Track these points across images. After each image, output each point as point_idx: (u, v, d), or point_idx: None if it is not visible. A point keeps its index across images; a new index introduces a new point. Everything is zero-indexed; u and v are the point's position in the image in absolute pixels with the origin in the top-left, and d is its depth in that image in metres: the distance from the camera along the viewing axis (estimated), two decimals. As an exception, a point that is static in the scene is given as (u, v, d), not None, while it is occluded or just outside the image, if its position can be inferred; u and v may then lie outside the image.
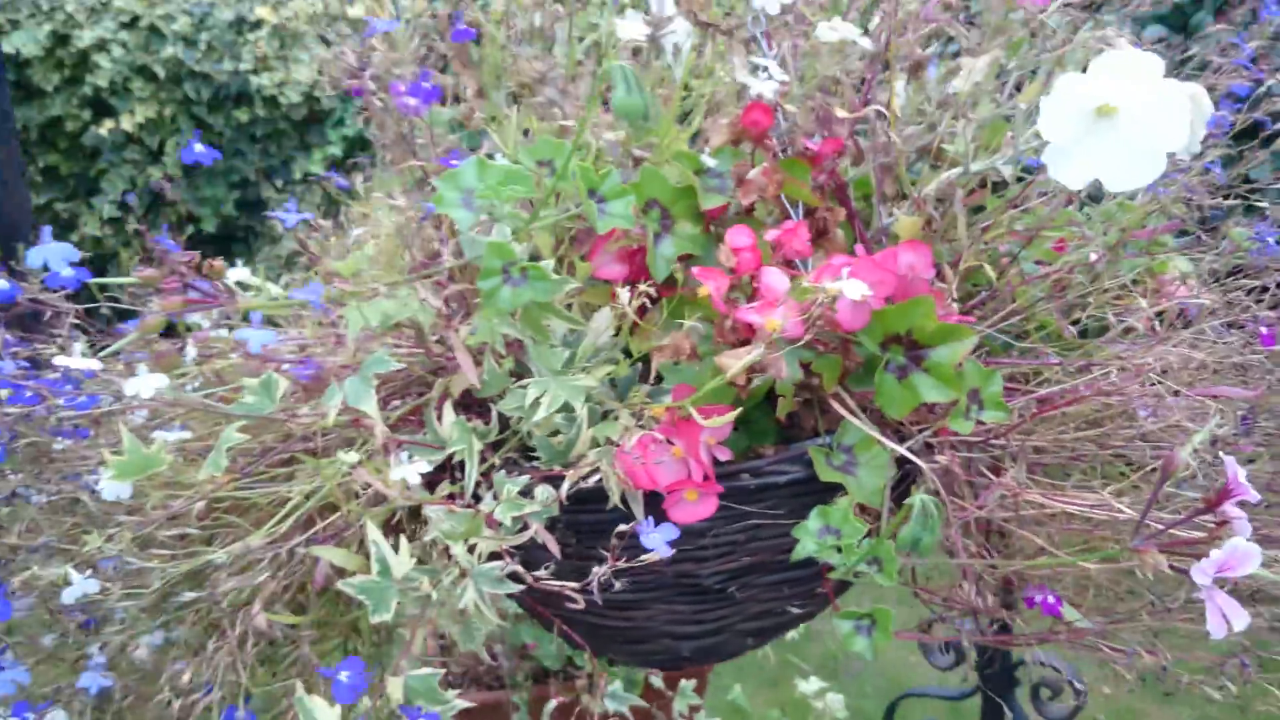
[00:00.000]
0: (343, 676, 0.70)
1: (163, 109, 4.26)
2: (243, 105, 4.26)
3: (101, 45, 3.92)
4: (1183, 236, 1.02)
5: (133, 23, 4.22)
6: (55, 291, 0.83)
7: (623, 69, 0.71)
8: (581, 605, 0.77)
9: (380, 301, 0.80)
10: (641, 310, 0.86)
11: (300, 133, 4.16)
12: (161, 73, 4.23)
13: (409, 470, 0.75)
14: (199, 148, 0.90)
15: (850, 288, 0.73)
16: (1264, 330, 0.84)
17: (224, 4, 4.26)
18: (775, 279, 0.78)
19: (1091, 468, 0.91)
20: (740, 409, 0.87)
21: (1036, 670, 1.27)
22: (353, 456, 0.74)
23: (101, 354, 0.81)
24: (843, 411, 0.88)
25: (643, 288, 0.77)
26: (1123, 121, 0.72)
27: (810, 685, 2.38)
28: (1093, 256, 0.98)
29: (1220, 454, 0.75)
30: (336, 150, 4.29)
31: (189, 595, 0.83)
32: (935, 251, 0.97)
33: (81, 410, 0.84)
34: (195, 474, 0.85)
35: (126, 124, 4.12)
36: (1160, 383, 0.88)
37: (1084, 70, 0.70)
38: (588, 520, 0.90)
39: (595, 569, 0.84)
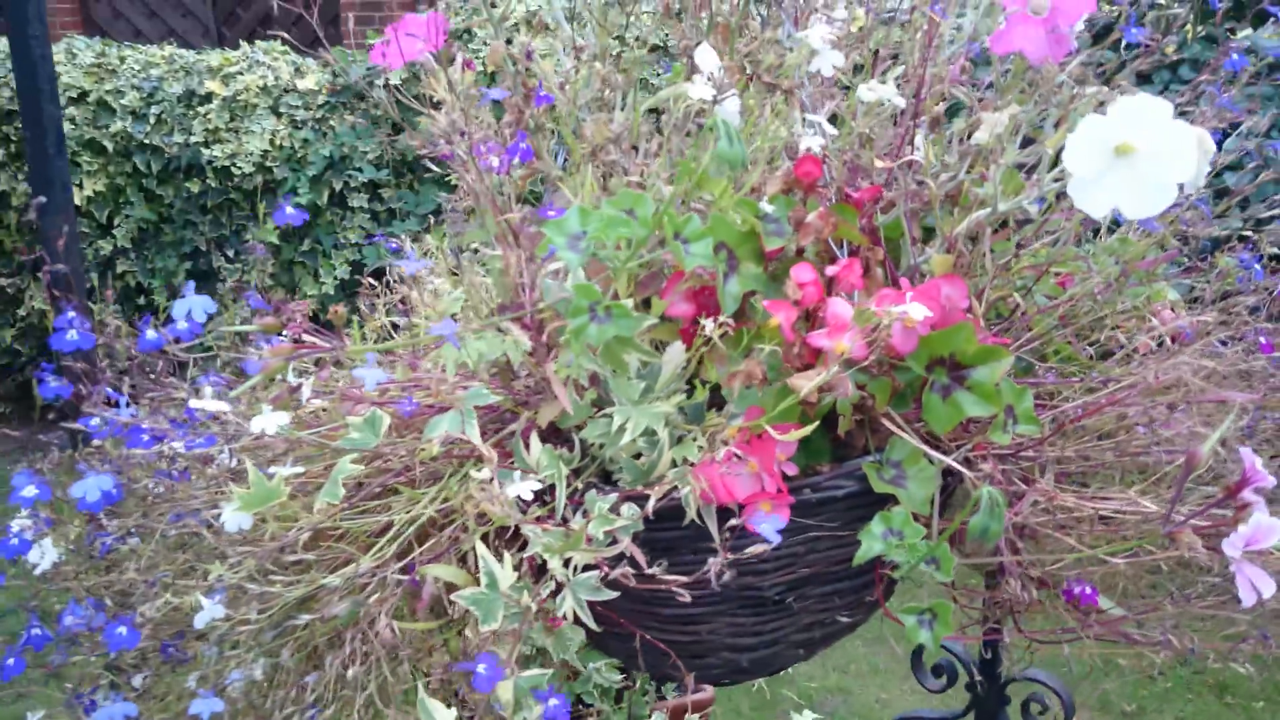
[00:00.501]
0: (481, 669, 0.78)
1: (112, 181, 4.33)
2: (193, 177, 4.32)
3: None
4: (1175, 266, 1.14)
5: (81, 98, 4.30)
6: (176, 342, 0.91)
7: (724, 123, 0.81)
8: (687, 601, 0.85)
9: (472, 341, 0.88)
10: (708, 342, 0.96)
11: (252, 202, 4.23)
12: (110, 146, 4.30)
13: (521, 488, 0.83)
14: (290, 209, 0.98)
15: (915, 310, 0.83)
16: (1263, 340, 0.95)
17: (173, 78, 4.34)
18: (841, 308, 0.88)
19: (1109, 475, 1.01)
20: (812, 426, 0.96)
21: (1026, 687, 1.35)
22: (485, 472, 0.82)
23: (231, 394, 0.89)
24: (893, 428, 0.97)
25: (721, 320, 0.86)
26: (1140, 159, 0.83)
27: (805, 717, 2.44)
28: (1097, 288, 1.10)
29: (1238, 448, 0.85)
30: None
31: (304, 617, 0.90)
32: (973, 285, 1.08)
33: (201, 448, 0.91)
34: (297, 506, 0.92)
35: (76, 198, 4.16)
36: (1171, 393, 0.99)
37: (1103, 113, 0.82)
38: (664, 537, 0.98)
39: (711, 561, 0.92)
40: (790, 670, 1.22)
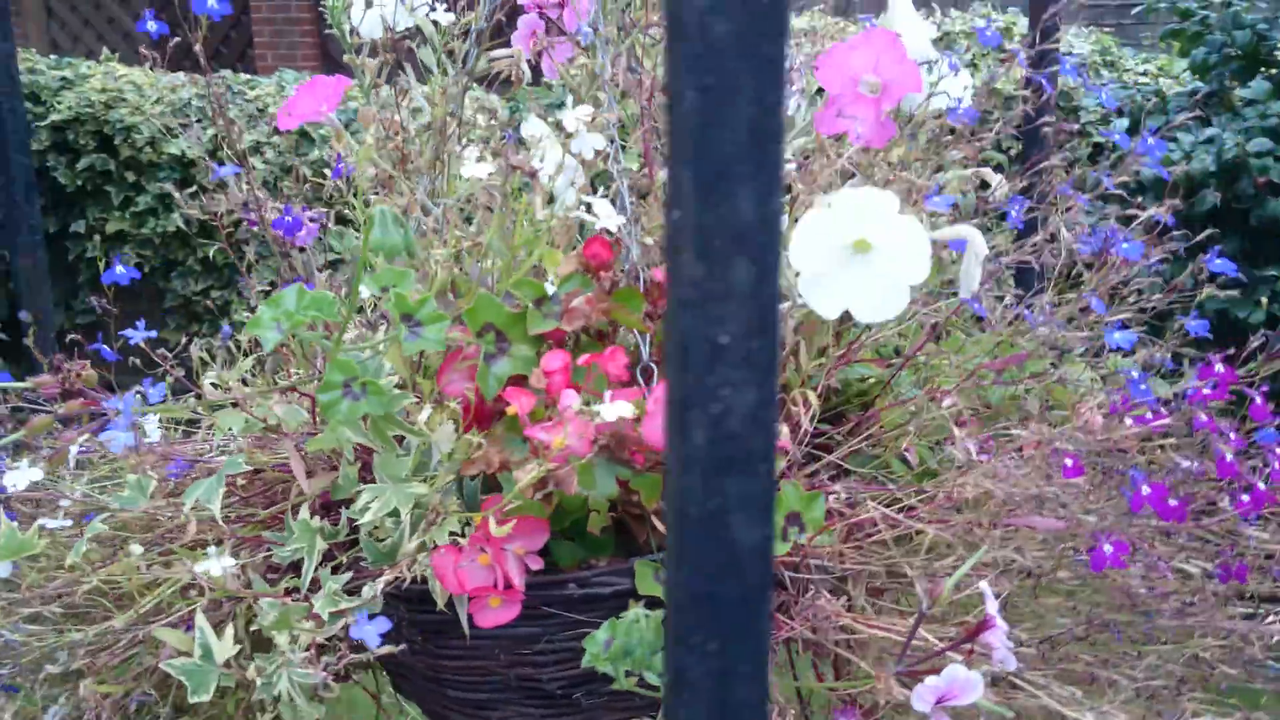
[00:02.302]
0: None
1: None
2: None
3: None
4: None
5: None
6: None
7: (383, 211, 0.79)
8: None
9: (227, 414, 0.89)
10: (489, 422, 0.93)
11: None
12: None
13: (214, 564, 0.83)
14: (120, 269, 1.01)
15: (608, 410, 0.79)
16: (1068, 463, 0.86)
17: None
18: (569, 399, 0.84)
19: (911, 594, 0.93)
20: (568, 523, 0.92)
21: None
22: (137, 549, 0.82)
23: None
24: (662, 528, 0.92)
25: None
26: (876, 257, 0.77)
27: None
28: (948, 399, 1.02)
29: (981, 587, 0.77)
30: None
31: (53, 669, 0.92)
32: (789, 379, 1.02)
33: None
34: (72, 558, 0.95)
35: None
36: (980, 510, 0.90)
37: (829, 205, 0.76)
38: (426, 619, 0.96)
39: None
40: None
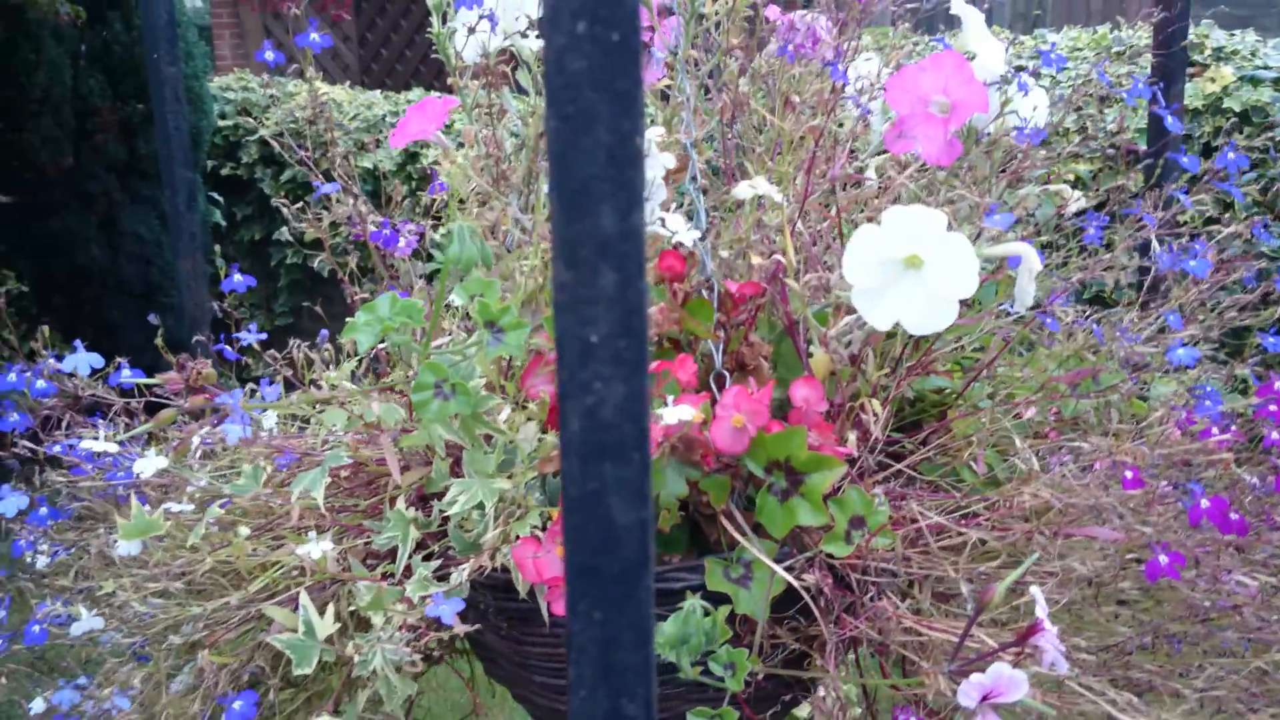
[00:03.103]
0: (236, 705, 0.86)
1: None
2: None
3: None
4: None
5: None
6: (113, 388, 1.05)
7: (461, 226, 0.85)
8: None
9: (332, 410, 0.97)
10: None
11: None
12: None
13: (315, 547, 0.90)
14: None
15: (669, 413, 0.84)
16: (1128, 475, 0.87)
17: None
18: (639, 404, 0.89)
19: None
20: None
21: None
22: (244, 531, 0.90)
23: (118, 439, 1.02)
24: (730, 529, 0.97)
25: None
26: (927, 272, 0.80)
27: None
28: (1030, 411, 1.04)
29: (1032, 591, 0.80)
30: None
31: (176, 640, 1.01)
32: (859, 388, 1.05)
33: (123, 482, 1.05)
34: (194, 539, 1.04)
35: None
36: (1042, 520, 0.92)
37: (880, 223, 0.79)
38: (510, 607, 1.02)
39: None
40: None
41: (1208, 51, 2.70)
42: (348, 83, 4.45)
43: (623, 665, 0.48)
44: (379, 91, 4.13)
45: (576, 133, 0.44)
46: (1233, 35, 2.78)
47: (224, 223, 3.88)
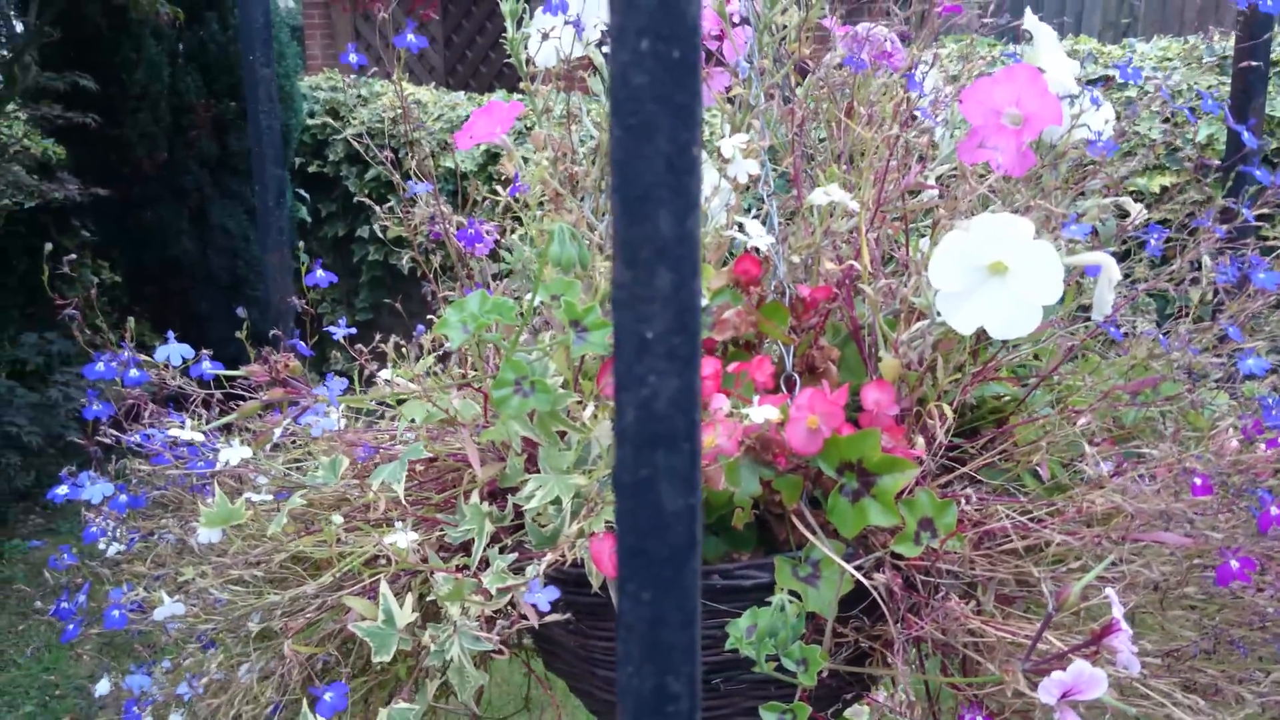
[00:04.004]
0: (327, 697, 0.88)
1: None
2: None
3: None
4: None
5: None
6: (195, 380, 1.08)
7: (561, 228, 0.88)
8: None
9: (413, 404, 0.99)
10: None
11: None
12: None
13: (401, 537, 0.93)
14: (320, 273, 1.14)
15: (756, 413, 0.86)
16: (1197, 481, 0.89)
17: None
18: (719, 403, 0.91)
19: (1039, 603, 0.97)
20: (714, 519, 1.00)
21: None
22: (337, 519, 0.92)
23: (203, 428, 1.05)
24: (801, 527, 0.99)
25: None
26: (1011, 278, 0.82)
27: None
28: (1083, 418, 1.06)
29: (1107, 591, 0.81)
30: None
31: (252, 626, 1.04)
32: (925, 393, 1.08)
33: (200, 471, 1.08)
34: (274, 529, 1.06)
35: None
36: (1108, 524, 0.94)
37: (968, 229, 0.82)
38: (582, 601, 1.05)
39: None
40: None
41: None
42: (433, 84, 4.50)
43: (668, 644, 0.51)
44: (463, 93, 4.18)
45: (638, 142, 0.46)
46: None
47: (309, 219, 3.93)
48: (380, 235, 1.04)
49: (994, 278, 0.82)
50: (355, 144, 1.19)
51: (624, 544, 0.50)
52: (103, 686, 1.24)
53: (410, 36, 1.09)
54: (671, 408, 0.48)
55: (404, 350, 1.06)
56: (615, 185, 0.47)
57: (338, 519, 0.96)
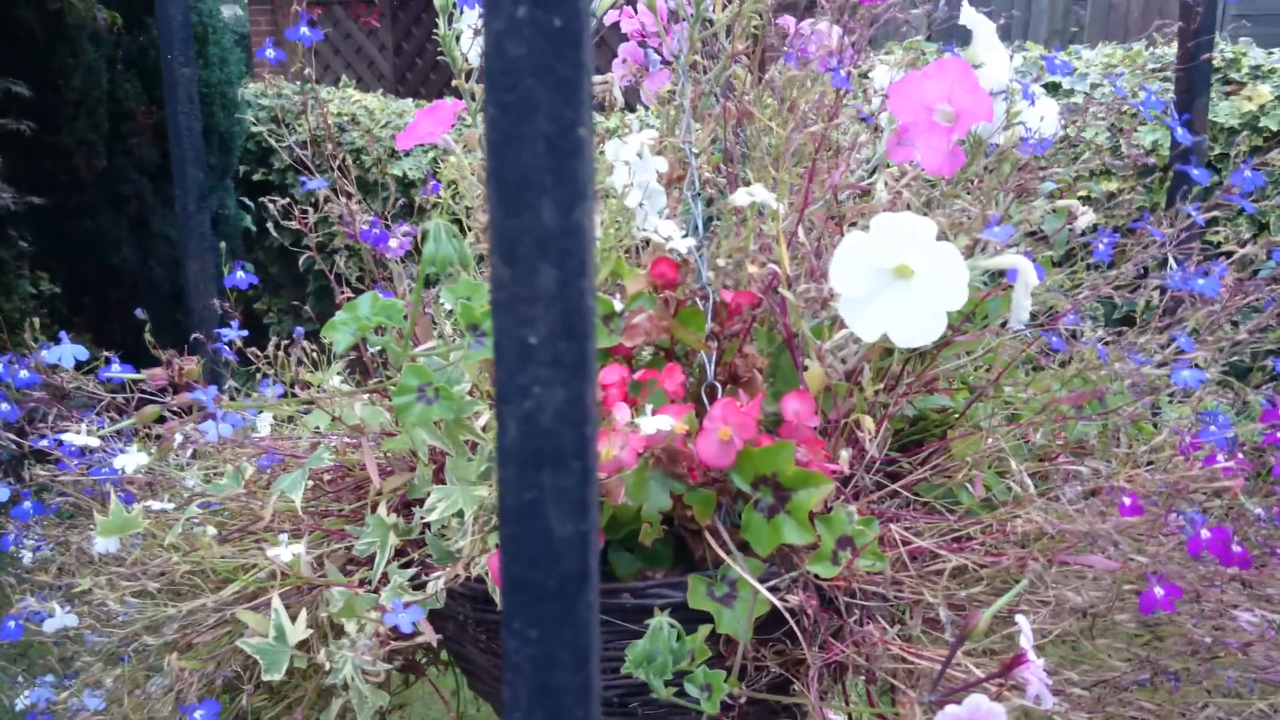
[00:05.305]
0: (198, 715, 0.84)
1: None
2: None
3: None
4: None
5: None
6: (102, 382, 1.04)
7: (438, 225, 0.83)
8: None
9: (316, 413, 0.95)
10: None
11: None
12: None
13: (286, 550, 0.88)
14: (240, 274, 1.10)
15: (647, 424, 0.81)
16: (1125, 501, 0.83)
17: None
18: (620, 413, 0.87)
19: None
20: (624, 534, 0.95)
21: None
22: (211, 531, 0.88)
23: (99, 434, 1.01)
24: (715, 545, 0.94)
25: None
26: (917, 282, 0.77)
27: None
28: (1038, 435, 1.00)
29: (1017, 619, 0.76)
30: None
31: (152, 640, 1.00)
32: (856, 405, 1.02)
33: (105, 478, 1.04)
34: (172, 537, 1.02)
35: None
36: (1037, 546, 0.89)
37: (867, 229, 0.77)
38: (489, 619, 1.00)
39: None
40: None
41: (1245, 69, 2.64)
42: (380, 90, 4.48)
43: (560, 687, 0.45)
44: (411, 100, 4.15)
45: (515, 122, 0.41)
46: (1271, 54, 2.73)
47: (254, 228, 3.92)
48: (326, 243, 1.00)
49: (898, 281, 0.77)
50: (288, 155, 1.15)
51: (508, 575, 0.45)
52: (22, 702, 1.21)
53: (304, 29, 1.05)
54: (559, 421, 0.43)
55: (306, 353, 1.02)
56: (490, 170, 0.42)
57: (211, 530, 0.92)
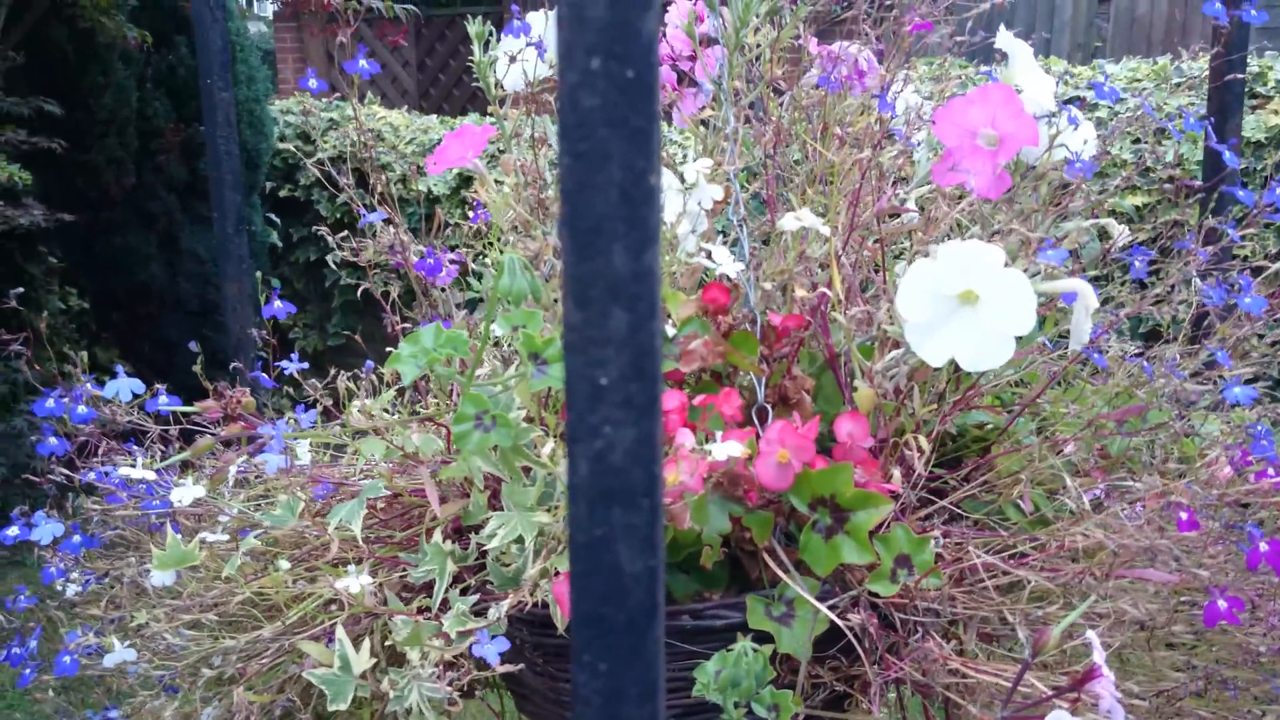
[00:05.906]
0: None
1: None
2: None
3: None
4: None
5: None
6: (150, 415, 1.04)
7: (512, 259, 0.85)
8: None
9: (372, 441, 0.96)
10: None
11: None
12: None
13: (354, 581, 0.89)
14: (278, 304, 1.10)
15: (719, 449, 0.82)
16: (1184, 516, 0.85)
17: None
18: (684, 438, 0.88)
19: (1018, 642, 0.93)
20: (683, 557, 0.96)
21: None
22: (284, 564, 0.89)
23: (155, 467, 1.01)
24: (773, 565, 0.95)
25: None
26: (983, 308, 0.79)
27: None
28: (1069, 447, 1.02)
29: (1087, 636, 0.78)
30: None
31: (208, 672, 1.00)
32: (903, 423, 1.04)
33: (156, 510, 1.04)
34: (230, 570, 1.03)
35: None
36: (1092, 560, 0.91)
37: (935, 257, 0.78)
38: (548, 643, 1.01)
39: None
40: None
41: (1271, 84, 2.68)
42: (405, 107, 4.49)
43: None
44: (436, 117, 4.16)
45: (589, 171, 0.43)
46: (1297, 68, 2.77)
47: (280, 244, 3.91)
48: (333, 264, 1.01)
49: (964, 307, 0.79)
50: (316, 171, 1.16)
51: (578, 610, 0.46)
52: (65, 734, 1.20)
53: (363, 62, 1.06)
54: (629, 460, 0.44)
55: (364, 384, 1.02)
56: (565, 218, 0.43)
57: (284, 563, 0.92)
